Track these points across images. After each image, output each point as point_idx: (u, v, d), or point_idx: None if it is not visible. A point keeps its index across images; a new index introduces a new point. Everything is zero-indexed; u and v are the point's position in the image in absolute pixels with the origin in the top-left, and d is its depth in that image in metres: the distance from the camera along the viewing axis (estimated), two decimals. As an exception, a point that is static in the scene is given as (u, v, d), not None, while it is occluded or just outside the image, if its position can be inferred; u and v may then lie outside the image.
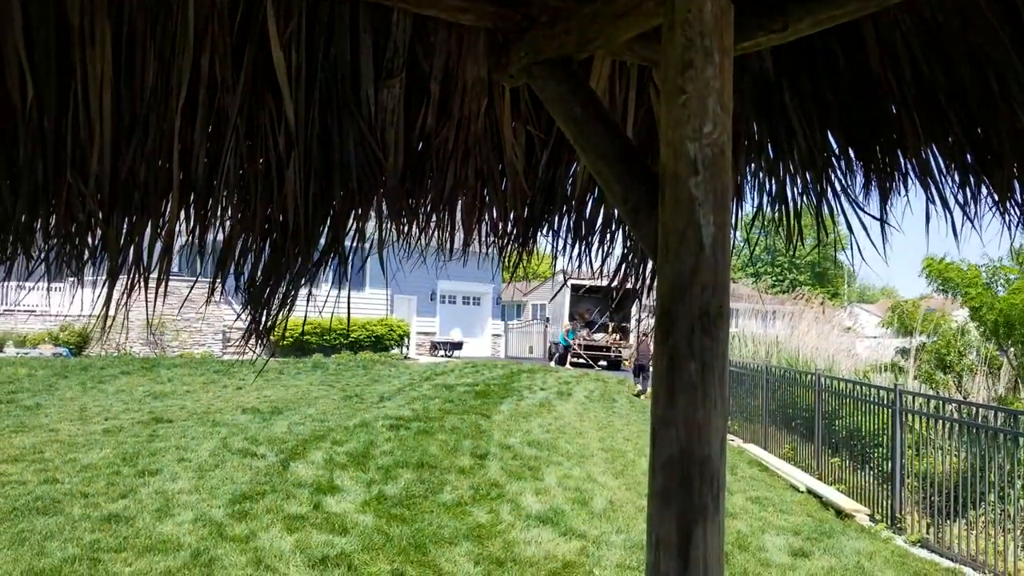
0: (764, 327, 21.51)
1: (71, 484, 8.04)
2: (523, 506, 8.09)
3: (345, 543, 6.66)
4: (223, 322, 23.72)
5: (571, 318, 30.21)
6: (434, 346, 30.67)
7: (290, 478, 8.61)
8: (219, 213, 2.16)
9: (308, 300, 2.43)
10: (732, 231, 2.69)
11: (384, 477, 8.89)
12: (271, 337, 2.53)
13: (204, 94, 1.96)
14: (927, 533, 8.39)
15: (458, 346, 30.43)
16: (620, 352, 28.82)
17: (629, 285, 2.91)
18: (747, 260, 56.67)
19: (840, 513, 9.20)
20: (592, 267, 2.86)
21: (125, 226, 2.11)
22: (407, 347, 28.74)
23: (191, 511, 7.28)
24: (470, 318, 34.19)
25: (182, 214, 2.13)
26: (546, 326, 34.88)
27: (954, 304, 13.55)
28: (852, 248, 2.62)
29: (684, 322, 1.47)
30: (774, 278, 53.99)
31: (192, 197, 2.13)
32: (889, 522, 8.88)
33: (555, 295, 29.72)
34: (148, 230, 2.12)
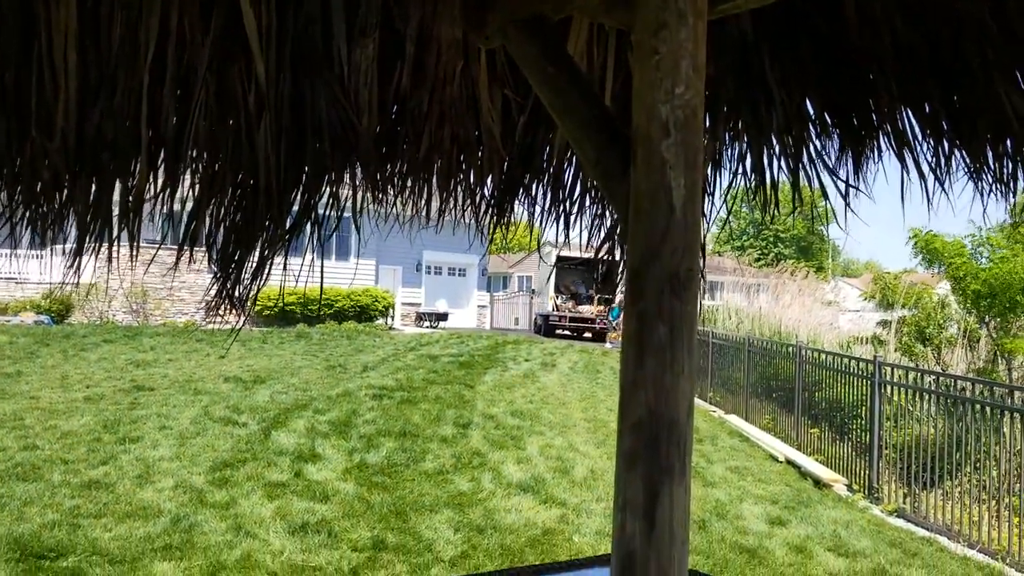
0: (748, 300, 21.58)
1: (51, 451, 8.03)
2: (504, 475, 8.14)
3: (326, 510, 6.69)
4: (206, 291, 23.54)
5: (557, 290, 30.26)
6: (419, 317, 30.66)
7: (271, 446, 8.62)
8: (189, 175, 2.13)
9: (284, 269, 2.40)
10: (710, 198, 2.70)
11: (366, 446, 8.91)
12: (246, 306, 2.51)
13: (172, 52, 1.92)
14: (903, 503, 8.51)
15: (443, 317, 30.44)
16: (605, 324, 28.90)
17: (612, 257, 2.90)
18: (731, 234, 56.83)
19: (818, 483, 9.31)
20: (578, 237, 2.84)
21: (93, 186, 2.08)
22: (392, 318, 28.73)
23: (172, 478, 7.29)
24: (456, 289, 34.20)
25: (151, 175, 2.09)
26: (531, 298, 34.94)
27: (937, 279, 13.64)
28: (827, 215, 2.62)
29: (654, 284, 1.46)
30: (759, 251, 54.19)
31: (161, 158, 2.10)
32: (866, 492, 8.99)
33: (550, 268, 29.73)
34: (117, 191, 2.09)
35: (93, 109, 1.92)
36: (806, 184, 2.38)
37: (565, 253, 26.07)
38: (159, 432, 9.01)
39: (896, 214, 2.36)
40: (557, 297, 30.14)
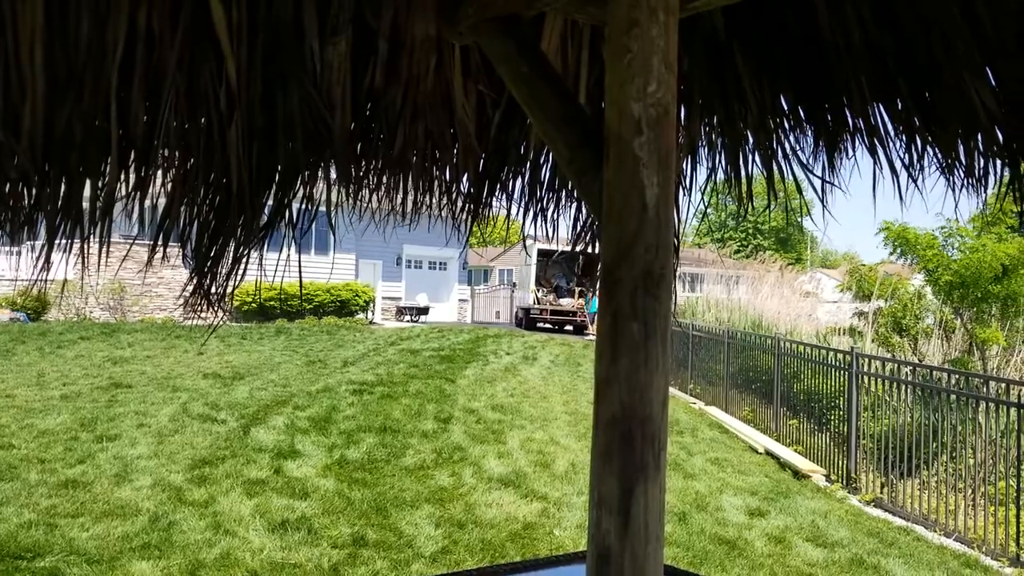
0: (727, 292, 21.68)
1: (28, 449, 7.95)
2: (485, 469, 8.15)
3: (306, 507, 6.67)
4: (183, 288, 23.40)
5: (538, 284, 30.28)
6: (400, 311, 30.59)
7: (251, 443, 8.58)
8: (160, 174, 2.11)
9: (260, 265, 2.39)
10: (686, 192, 2.71)
11: (346, 441, 8.89)
12: (223, 303, 2.49)
13: (141, 50, 1.90)
14: (881, 493, 8.59)
15: (424, 311, 30.38)
16: (585, 317, 28.96)
17: (592, 249, 2.90)
18: (711, 227, 57.09)
19: (797, 474, 9.39)
20: (556, 231, 2.84)
21: (63, 187, 2.06)
22: (372, 312, 28.65)
23: (150, 476, 7.24)
24: (436, 283, 34.14)
25: (122, 175, 2.07)
26: (512, 291, 34.94)
27: (912, 270, 13.77)
28: (803, 208, 2.64)
29: (627, 283, 1.47)
30: (739, 243, 54.49)
31: (132, 157, 2.08)
32: (844, 482, 9.08)
33: (528, 259, 29.68)
34: (87, 191, 2.06)
35: (61, 109, 1.90)
36: (781, 180, 2.39)
37: (546, 247, 26.13)
38: (137, 430, 8.94)
39: (866, 205, 2.38)
40: (538, 290, 30.17)
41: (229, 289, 2.41)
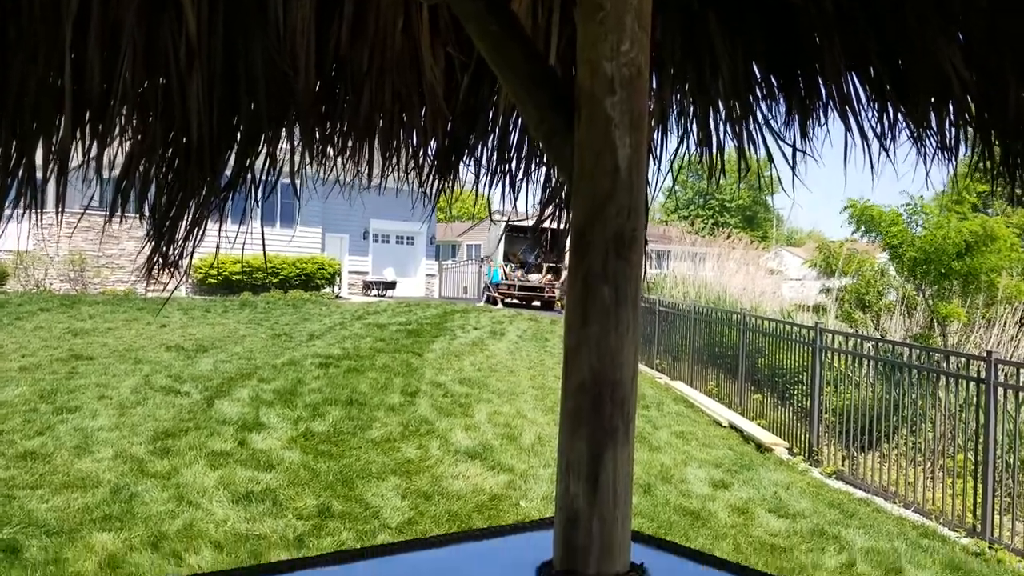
0: (694, 268, 21.82)
1: (-16, 422, 7.80)
2: (452, 442, 8.14)
3: (270, 479, 6.62)
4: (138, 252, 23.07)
5: (505, 259, 30.23)
6: (367, 285, 30.40)
7: (214, 415, 8.49)
8: (117, 133, 2.04)
9: (220, 231, 2.33)
10: (655, 163, 2.68)
11: (312, 414, 8.83)
12: (181, 267, 2.43)
13: (98, 4, 1.83)
14: (842, 465, 8.73)
15: (391, 286, 30.22)
16: (553, 292, 29.00)
17: (557, 223, 2.86)
18: (677, 204, 57.32)
19: (760, 447, 9.50)
20: (523, 203, 2.81)
21: (14, 145, 1.98)
22: (339, 286, 28.44)
23: (111, 448, 7.14)
24: (404, 257, 33.95)
25: (77, 134, 2.00)
26: (480, 266, 34.85)
27: (876, 249, 13.94)
28: (772, 184, 2.63)
29: (598, 246, 1.44)
30: (704, 221, 54.81)
31: (88, 116, 2.00)
32: (807, 455, 9.21)
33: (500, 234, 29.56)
34: (40, 150, 1.99)
35: (12, 66, 1.83)
36: (752, 152, 2.37)
37: (514, 222, 26.03)
38: (98, 402, 8.81)
39: (840, 186, 2.37)
40: (506, 266, 30.13)
41: (188, 251, 2.35)
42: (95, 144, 2.02)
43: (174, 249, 2.36)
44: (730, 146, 2.48)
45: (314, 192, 2.79)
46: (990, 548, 6.68)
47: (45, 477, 6.35)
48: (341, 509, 6.10)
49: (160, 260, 2.37)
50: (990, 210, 15.75)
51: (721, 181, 2.63)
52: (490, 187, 2.72)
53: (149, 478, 6.46)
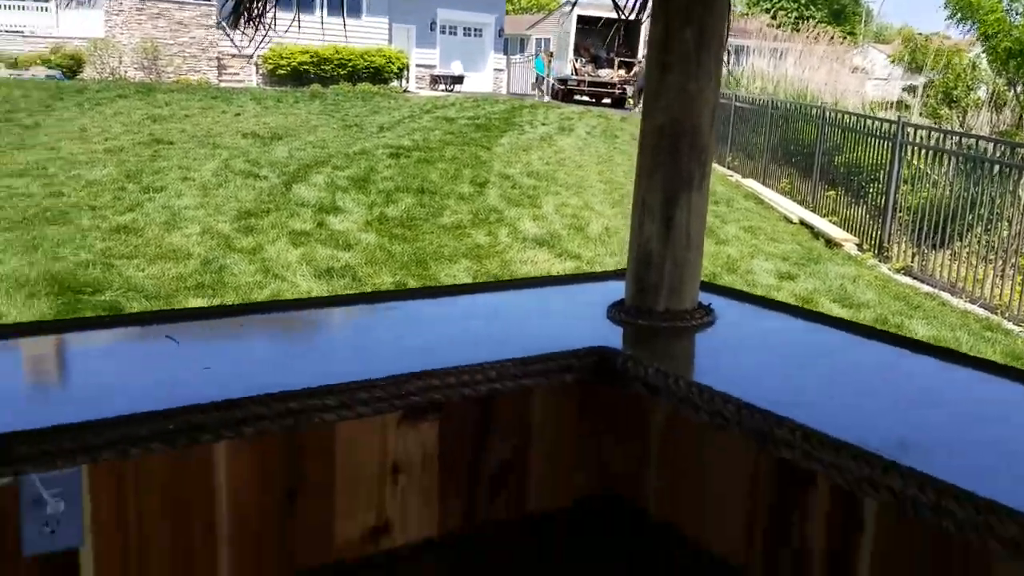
0: (773, 65, 20.88)
1: (77, 197, 8.21)
2: (520, 230, 8.32)
3: (349, 257, 6.92)
4: (218, 48, 23.04)
5: (576, 53, 29.25)
6: (434, 80, 29.95)
7: (293, 198, 8.77)
8: None
9: (295, 22, 2.32)
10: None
11: (385, 200, 9.05)
12: (261, 63, 2.45)
13: None
14: (911, 262, 8.71)
15: (459, 80, 29.73)
16: (624, 89, 28.19)
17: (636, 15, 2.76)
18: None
19: (830, 242, 9.49)
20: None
21: None
22: (407, 80, 28.10)
23: (198, 224, 7.50)
24: (471, 51, 33.09)
25: None
26: (549, 61, 33.87)
27: (969, 42, 13.13)
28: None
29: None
30: (788, 14, 51.75)
31: None
32: (876, 251, 9.18)
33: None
34: None
35: None
36: None
37: (586, 13, 24.94)
38: (182, 183, 9.14)
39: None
40: (576, 60, 29.20)
41: (264, 43, 2.36)
42: None
43: (253, 40, 2.39)
44: None
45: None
46: (1054, 343, 6.72)
47: (139, 248, 6.74)
48: (416, 286, 6.39)
49: (244, 13, 2.39)
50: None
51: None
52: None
53: (235, 252, 6.81)
